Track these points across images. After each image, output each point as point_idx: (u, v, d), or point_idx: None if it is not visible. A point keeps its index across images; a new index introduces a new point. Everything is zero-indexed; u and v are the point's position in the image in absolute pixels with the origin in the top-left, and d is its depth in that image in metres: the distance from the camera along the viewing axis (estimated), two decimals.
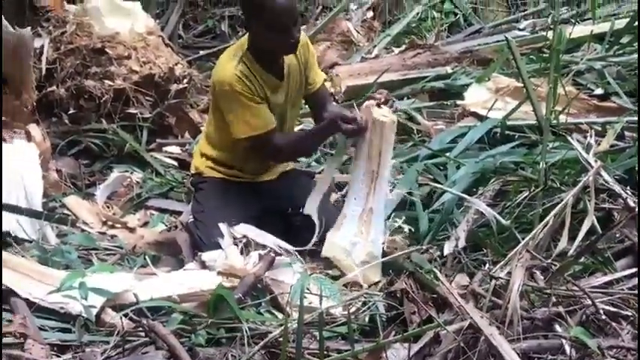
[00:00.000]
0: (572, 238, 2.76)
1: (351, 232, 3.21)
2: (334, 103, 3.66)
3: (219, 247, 3.19)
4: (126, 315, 2.76)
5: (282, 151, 3.47)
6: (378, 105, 3.24)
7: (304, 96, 3.62)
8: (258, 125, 3.35)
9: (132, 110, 4.60)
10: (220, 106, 3.43)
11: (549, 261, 2.65)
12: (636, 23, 4.89)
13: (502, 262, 2.65)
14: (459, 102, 4.68)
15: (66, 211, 3.90)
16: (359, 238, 3.18)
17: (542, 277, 2.68)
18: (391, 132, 3.21)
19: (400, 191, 3.39)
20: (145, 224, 3.91)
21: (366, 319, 2.82)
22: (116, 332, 2.68)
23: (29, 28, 4.36)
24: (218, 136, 3.54)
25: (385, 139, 3.20)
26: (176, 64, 4.81)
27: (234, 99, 3.34)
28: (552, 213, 2.76)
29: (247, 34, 3.43)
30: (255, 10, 3.29)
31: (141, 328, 2.69)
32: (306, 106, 3.74)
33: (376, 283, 3.02)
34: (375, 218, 3.20)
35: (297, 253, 3.24)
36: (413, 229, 3.36)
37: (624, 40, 4.96)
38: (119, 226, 3.85)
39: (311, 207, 3.35)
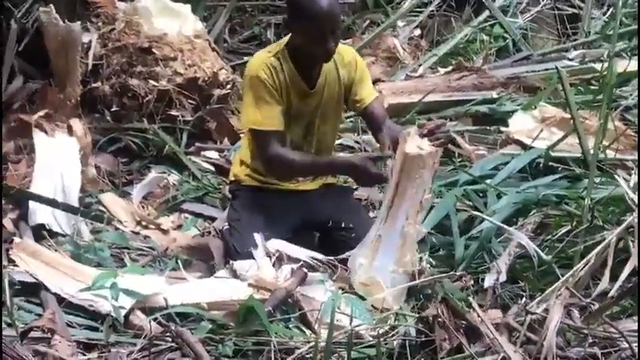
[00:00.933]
0: (612, 279, 2.70)
1: (362, 253, 3.14)
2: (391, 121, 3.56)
3: (251, 257, 3.17)
4: (154, 319, 2.76)
5: (281, 162, 3.33)
6: (423, 135, 3.08)
7: (358, 113, 3.63)
8: (262, 121, 3.32)
9: (173, 112, 4.60)
10: (243, 94, 3.45)
11: (588, 300, 2.60)
12: None
13: (539, 298, 2.60)
14: (503, 128, 4.61)
15: (101, 208, 3.92)
16: (365, 261, 3.12)
17: (579, 317, 2.62)
18: (415, 166, 3.03)
19: (423, 230, 3.27)
20: (179, 227, 3.91)
21: (395, 343, 2.78)
22: (143, 335, 2.68)
23: (79, 22, 4.41)
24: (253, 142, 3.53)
25: (406, 172, 3.04)
26: (220, 69, 4.80)
27: (253, 86, 3.34)
28: (594, 251, 2.70)
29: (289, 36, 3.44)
30: (297, 11, 3.30)
31: (168, 333, 2.68)
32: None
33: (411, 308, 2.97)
34: (382, 247, 3.11)
35: (330, 264, 3.20)
36: (440, 260, 3.33)
37: None
38: (153, 227, 3.85)
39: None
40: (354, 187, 4.00)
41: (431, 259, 3.21)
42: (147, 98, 4.55)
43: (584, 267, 2.68)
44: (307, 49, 3.32)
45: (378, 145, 4.46)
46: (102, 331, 2.75)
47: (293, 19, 3.34)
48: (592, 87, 5.00)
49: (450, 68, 5.55)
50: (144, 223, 3.86)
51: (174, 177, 4.34)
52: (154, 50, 4.63)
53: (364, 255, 3.13)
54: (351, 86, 3.50)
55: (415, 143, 3.06)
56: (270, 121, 3.32)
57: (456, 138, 4.56)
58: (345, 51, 3.54)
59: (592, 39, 5.76)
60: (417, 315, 2.77)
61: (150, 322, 2.72)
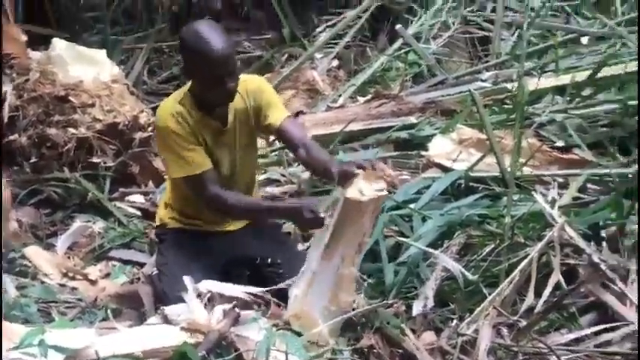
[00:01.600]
0: (537, 294, 2.78)
1: (297, 285, 3.14)
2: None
3: (182, 301, 3.14)
4: None
5: (224, 203, 3.34)
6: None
7: (274, 136, 3.61)
8: (191, 166, 3.31)
9: (95, 159, 4.55)
10: (158, 146, 3.44)
11: (516, 318, 2.66)
12: (598, 75, 4.99)
13: (469, 319, 2.65)
14: (423, 152, 4.69)
15: (26, 263, 3.83)
16: (299, 293, 3.12)
17: (508, 334, 2.68)
18: (355, 211, 3.01)
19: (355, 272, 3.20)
20: (107, 276, 3.85)
21: None
22: None
23: None
24: (174, 183, 3.51)
25: (346, 216, 3.04)
26: (141, 112, 4.78)
27: (168, 138, 3.32)
28: (518, 268, 2.78)
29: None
30: (191, 58, 3.29)
31: None
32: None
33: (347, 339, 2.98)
34: (316, 284, 3.09)
35: (263, 300, 3.19)
36: (371, 288, 3.36)
37: (585, 92, 5.04)
38: (80, 277, 3.78)
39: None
40: (281, 221, 4.03)
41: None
42: (66, 147, 4.49)
43: (509, 285, 2.75)
44: (208, 94, 3.32)
45: (304, 177, 4.55)
46: None
47: (189, 67, 3.32)
48: (506, 106, 5.14)
49: (368, 97, 5.64)
50: (70, 275, 3.79)
51: (99, 225, 4.28)
52: (70, 98, 4.58)
53: (298, 287, 3.14)
54: (260, 113, 3.49)
55: (358, 187, 3.04)
56: (198, 165, 3.31)
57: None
58: (249, 80, 3.52)
59: (503, 60, 5.92)
60: (352, 347, 2.79)
61: None
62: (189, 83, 3.45)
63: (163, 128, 3.33)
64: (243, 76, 3.46)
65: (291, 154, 4.55)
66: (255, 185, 3.71)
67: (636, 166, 4.04)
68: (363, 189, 3.02)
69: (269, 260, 3.45)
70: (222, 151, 3.45)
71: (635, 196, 3.45)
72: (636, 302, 2.80)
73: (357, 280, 3.09)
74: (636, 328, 2.61)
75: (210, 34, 3.20)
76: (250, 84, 3.49)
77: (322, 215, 3.13)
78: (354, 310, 2.99)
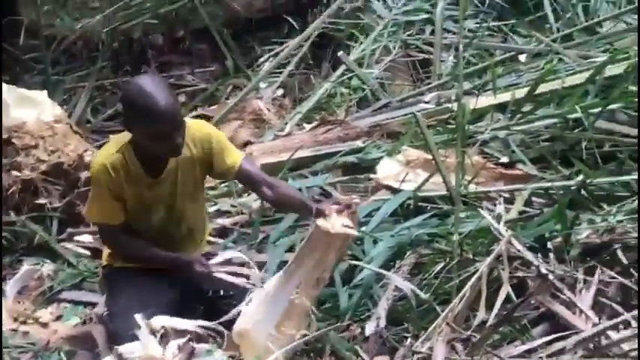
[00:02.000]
0: (489, 307, 2.81)
1: (249, 303, 3.18)
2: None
3: (136, 338, 3.11)
4: None
5: (121, 252, 3.52)
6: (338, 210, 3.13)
7: (236, 179, 3.63)
8: (96, 215, 3.48)
9: (41, 200, 4.50)
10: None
11: (469, 333, 2.69)
12: (537, 91, 5.10)
13: (423, 337, 2.68)
14: (371, 175, 4.73)
15: None
16: (247, 311, 3.17)
17: (462, 349, 2.71)
18: (321, 241, 3.07)
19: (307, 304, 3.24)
20: (59, 318, 3.79)
21: None
22: None
23: None
24: None
25: (311, 244, 3.11)
26: (85, 151, 4.73)
27: (93, 183, 3.45)
28: (468, 284, 2.81)
29: None
30: (134, 113, 3.23)
31: None
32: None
33: None
34: (267, 306, 3.14)
35: (218, 333, 3.19)
36: (326, 313, 3.38)
37: (525, 108, 5.15)
38: (31, 321, 3.72)
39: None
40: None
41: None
42: (11, 190, 4.43)
43: (460, 301, 2.78)
44: (153, 150, 3.30)
45: (254, 207, 4.54)
46: None
47: (131, 121, 3.27)
48: (449, 126, 5.21)
49: (315, 123, 5.67)
50: (21, 319, 3.73)
51: (48, 267, 4.21)
52: (13, 141, 4.53)
53: (249, 304, 3.15)
54: (211, 161, 3.47)
55: (331, 221, 3.09)
56: (102, 215, 3.44)
57: (329, 190, 4.67)
58: (195, 127, 3.47)
59: (444, 81, 6.00)
60: None
61: None
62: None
63: (93, 175, 3.44)
64: (188, 122, 3.40)
65: (241, 185, 4.58)
66: (204, 230, 3.72)
67: (578, 177, 4.13)
68: (335, 223, 3.08)
69: (221, 293, 3.43)
70: (157, 199, 3.44)
71: (577, 207, 3.54)
72: (587, 311, 2.86)
73: (308, 314, 3.09)
74: (586, 335, 2.66)
75: (156, 89, 3.17)
76: (197, 132, 3.44)
77: (212, 270, 3.32)
78: (305, 336, 2.99)
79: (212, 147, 3.46)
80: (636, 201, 3.58)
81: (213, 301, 3.45)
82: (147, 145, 3.28)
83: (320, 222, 3.09)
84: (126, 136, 3.41)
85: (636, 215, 3.39)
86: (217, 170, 3.49)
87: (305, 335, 3.00)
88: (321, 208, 3.18)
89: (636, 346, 2.56)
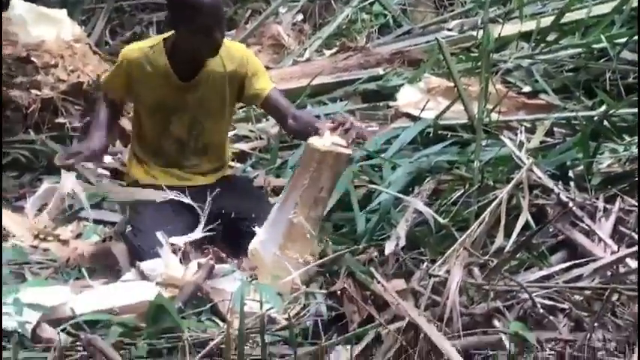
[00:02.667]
0: (507, 235, 2.81)
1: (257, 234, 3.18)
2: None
3: (158, 256, 3.15)
4: (63, 329, 2.70)
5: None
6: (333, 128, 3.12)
7: (259, 107, 3.69)
8: (105, 84, 3.72)
9: (61, 120, 4.51)
10: None
11: (486, 258, 2.69)
12: (562, 20, 5.01)
13: (440, 260, 2.68)
14: (391, 103, 4.71)
15: None
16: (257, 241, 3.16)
17: (480, 274, 2.72)
18: (312, 159, 3.07)
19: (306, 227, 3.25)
20: (79, 236, 3.82)
21: (307, 322, 2.82)
22: (53, 348, 2.62)
23: None
24: (133, 130, 3.68)
25: (303, 162, 3.12)
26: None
27: (118, 62, 3.59)
28: (488, 210, 2.80)
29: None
30: (179, 8, 3.31)
31: (79, 343, 2.63)
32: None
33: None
34: (270, 228, 3.14)
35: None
36: (343, 237, 3.39)
37: (550, 37, 5.07)
38: (51, 238, 3.75)
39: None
40: (253, 176, 4.04)
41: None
42: (31, 108, 4.44)
43: (479, 226, 2.78)
44: (193, 45, 3.33)
45: (273, 132, 4.54)
46: (9, 349, 2.67)
47: (176, 16, 3.34)
48: (472, 54, 5.15)
49: (334, 50, 5.63)
50: (42, 236, 3.75)
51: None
52: (32, 59, 4.52)
53: (257, 236, 3.17)
54: (243, 82, 3.51)
55: (326, 139, 3.08)
56: (105, 84, 3.70)
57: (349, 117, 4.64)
58: (234, 47, 3.56)
59: (468, 8, 5.92)
60: (326, 291, 2.81)
61: (59, 333, 2.67)
62: (166, 34, 3.48)
63: (121, 55, 3.57)
64: (227, 42, 3.50)
65: (259, 111, 4.57)
66: (222, 152, 3.72)
67: (601, 108, 4.09)
68: (326, 141, 3.07)
69: (243, 215, 3.45)
70: (181, 106, 3.45)
71: (602, 135, 3.51)
72: (606, 239, 2.85)
73: (310, 237, 3.09)
74: (604, 262, 2.66)
75: None
76: (235, 51, 3.51)
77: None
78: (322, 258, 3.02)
79: (246, 69, 3.50)
80: None
81: (233, 222, 3.47)
82: (188, 41, 3.34)
83: (312, 140, 3.09)
84: (155, 38, 3.54)
85: None
86: (246, 93, 3.51)
87: (315, 259, 3.01)
88: (317, 127, 3.18)
89: None
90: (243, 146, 4.64)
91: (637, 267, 2.60)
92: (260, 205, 3.52)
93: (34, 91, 4.47)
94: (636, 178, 3.11)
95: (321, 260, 3.01)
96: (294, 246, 3.09)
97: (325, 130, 3.13)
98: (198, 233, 3.26)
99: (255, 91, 3.51)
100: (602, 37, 4.61)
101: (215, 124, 3.58)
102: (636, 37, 4.50)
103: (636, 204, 2.93)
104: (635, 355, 2.34)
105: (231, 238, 3.46)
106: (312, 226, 3.07)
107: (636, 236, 2.84)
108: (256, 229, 3.16)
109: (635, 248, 2.68)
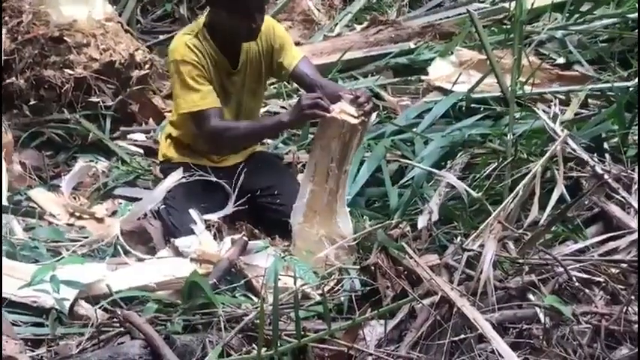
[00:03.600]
0: (542, 208, 2.79)
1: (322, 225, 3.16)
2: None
3: (192, 232, 3.17)
4: (100, 306, 2.74)
5: (222, 135, 3.34)
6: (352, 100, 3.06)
7: (288, 78, 3.61)
8: (198, 102, 3.31)
9: (94, 99, 4.53)
10: (171, 80, 3.44)
11: (521, 231, 2.67)
12: None
13: (474, 235, 2.66)
14: (423, 77, 4.68)
15: (32, 204, 3.83)
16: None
17: (514, 248, 2.70)
18: (327, 127, 3.06)
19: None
20: (114, 214, 3.86)
21: (342, 298, 2.83)
22: (90, 324, 2.66)
23: None
24: (177, 115, 3.55)
25: (319, 131, 3.11)
26: (136, 50, 4.74)
27: (180, 70, 3.31)
28: (522, 184, 2.78)
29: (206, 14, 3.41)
30: None
31: (115, 319, 2.67)
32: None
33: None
34: (297, 200, 3.17)
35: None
36: (376, 212, 3.40)
37: (584, 8, 4.99)
38: (87, 216, 3.79)
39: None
40: (284, 152, 4.04)
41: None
42: (64, 88, 4.46)
43: (513, 200, 2.75)
44: (232, 28, 3.29)
45: None
46: (48, 325, 2.72)
47: None
48: (505, 26, 5.09)
49: (365, 24, 5.59)
50: (77, 214, 3.80)
51: (102, 164, 4.28)
52: (65, 38, 4.54)
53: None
54: (272, 54, 3.49)
55: (337, 107, 3.05)
56: (205, 101, 3.31)
57: (379, 92, 4.62)
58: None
59: None
60: (359, 266, 2.82)
61: (95, 310, 2.71)
62: (202, 17, 3.41)
63: (179, 61, 3.32)
64: None
65: (290, 86, 4.57)
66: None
67: (637, 79, 4.02)
68: (337, 109, 3.03)
69: (271, 191, 3.46)
70: (231, 91, 3.45)
71: (635, 109, 3.45)
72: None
73: (331, 211, 3.10)
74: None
75: None
76: (263, 26, 3.45)
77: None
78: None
79: (275, 41, 3.47)
80: None
81: (260, 198, 3.48)
82: (227, 25, 3.28)
83: (340, 113, 3.04)
84: (194, 25, 3.45)
85: None
86: (275, 66, 3.50)
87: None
88: (340, 95, 3.10)
89: None
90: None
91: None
92: (287, 182, 3.53)
93: (67, 71, 4.49)
94: None
95: (354, 235, 3.01)
96: (315, 217, 3.10)
97: (339, 101, 3.06)
98: (228, 209, 3.28)
99: (284, 63, 3.48)
100: (637, 6, 4.52)
101: (254, 103, 3.59)
102: None
103: None
104: None
105: (259, 214, 3.47)
106: (330, 198, 3.07)
107: None
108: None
109: None
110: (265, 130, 3.45)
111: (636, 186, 2.94)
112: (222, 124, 3.33)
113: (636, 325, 2.35)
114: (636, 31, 4.56)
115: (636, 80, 4.00)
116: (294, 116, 3.18)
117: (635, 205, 2.80)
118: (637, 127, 3.32)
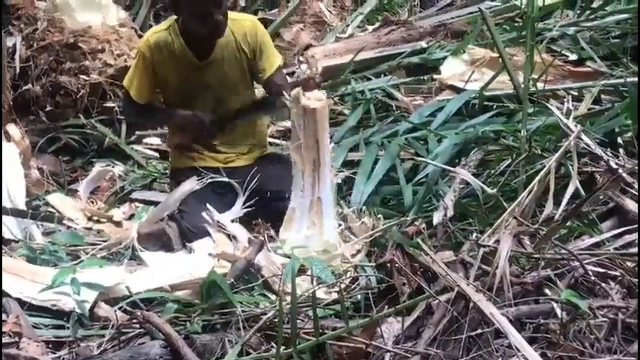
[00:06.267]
0: (557, 203, 2.78)
1: (303, 225, 3.19)
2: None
3: (207, 234, 3.20)
4: (120, 308, 2.77)
5: (129, 113, 3.88)
6: (306, 89, 3.15)
7: (262, 84, 3.64)
8: (128, 84, 3.59)
9: (109, 104, 4.59)
10: None
11: (536, 226, 2.67)
12: None
13: (490, 230, 2.67)
14: (435, 76, 4.69)
15: (50, 209, 3.88)
16: (312, 230, 3.17)
17: (529, 243, 2.70)
18: (325, 117, 3.14)
19: (344, 173, 3.38)
20: (131, 217, 3.90)
21: (358, 296, 2.84)
22: (111, 325, 2.68)
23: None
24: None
25: (320, 126, 3.13)
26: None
27: (137, 56, 3.62)
28: (536, 179, 2.77)
29: None
30: None
31: (135, 320, 2.69)
32: None
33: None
34: (324, 207, 3.18)
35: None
36: (391, 209, 3.41)
37: (595, 4, 4.99)
38: (104, 220, 3.84)
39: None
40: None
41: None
42: (80, 93, 4.52)
43: (528, 195, 2.76)
44: (195, 28, 3.39)
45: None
46: (69, 327, 2.75)
47: (175, 2, 3.42)
48: (516, 24, 5.10)
49: (377, 25, 5.61)
50: (95, 218, 3.85)
51: (119, 168, 4.33)
52: (80, 45, 4.60)
53: (307, 226, 3.20)
54: (255, 54, 3.54)
55: (312, 97, 3.14)
56: (132, 87, 3.58)
57: (392, 91, 4.64)
58: (244, 19, 3.60)
59: None
60: (375, 263, 2.83)
61: (115, 311, 2.73)
62: None
63: (139, 48, 3.61)
64: (235, 14, 3.60)
65: None
66: (253, 128, 3.74)
67: None
68: (317, 97, 3.15)
69: (278, 193, 3.47)
70: (203, 85, 3.50)
71: None
72: None
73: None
74: None
75: None
76: (245, 23, 3.55)
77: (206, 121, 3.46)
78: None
79: (257, 43, 3.53)
80: None
81: (269, 201, 3.50)
82: (191, 24, 3.40)
83: (304, 101, 3.13)
84: (171, 18, 3.56)
85: None
86: (253, 67, 3.53)
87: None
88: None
89: None
90: (287, 124, 4.65)
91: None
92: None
93: (82, 77, 4.55)
94: None
95: (369, 233, 3.03)
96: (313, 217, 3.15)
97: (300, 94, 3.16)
98: (237, 210, 3.30)
99: (260, 69, 3.55)
100: (637, 7, 4.51)
101: (239, 99, 3.61)
102: None
103: None
104: None
105: (269, 216, 3.49)
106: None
107: None
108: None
109: None
110: (157, 118, 3.90)
111: None
112: (131, 107, 3.67)
113: None
114: None
115: None
116: (181, 124, 3.61)
117: None
118: (637, 129, 3.31)
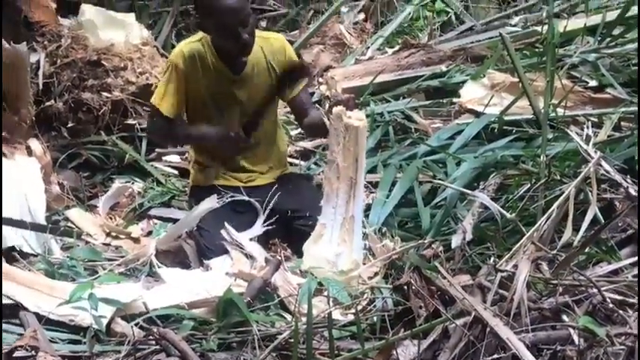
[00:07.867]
0: (575, 229, 2.78)
1: (334, 242, 3.17)
2: (318, 107, 3.70)
3: (224, 252, 3.21)
4: (136, 324, 2.78)
5: (160, 131, 3.69)
6: (348, 108, 3.16)
7: (288, 102, 3.69)
8: (158, 101, 3.54)
9: (130, 121, 4.62)
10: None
11: (554, 252, 2.67)
12: (628, 14, 4.93)
13: (508, 255, 2.67)
14: (455, 100, 4.70)
15: (69, 224, 3.91)
16: (343, 247, 3.16)
17: (547, 269, 2.70)
18: (363, 136, 3.18)
19: (384, 192, 3.38)
20: (149, 234, 3.92)
21: (374, 317, 2.83)
22: (127, 341, 2.69)
23: (24, 43, 4.38)
24: None
25: (360, 145, 3.15)
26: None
27: (167, 70, 3.56)
28: (555, 204, 2.78)
29: None
30: (203, 10, 3.44)
31: (152, 337, 2.70)
32: None
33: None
34: (356, 226, 3.18)
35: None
36: (408, 232, 3.42)
37: (616, 31, 4.99)
38: (123, 236, 3.86)
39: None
40: (316, 173, 4.07)
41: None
42: (102, 110, 4.56)
43: (547, 221, 2.76)
44: (223, 45, 3.43)
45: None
46: (85, 343, 2.76)
47: (202, 19, 3.47)
48: (536, 49, 5.10)
49: (397, 47, 5.63)
50: (114, 234, 3.87)
51: (138, 185, 4.36)
52: (103, 62, 4.64)
53: (338, 243, 3.18)
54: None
55: (352, 116, 3.15)
56: (163, 102, 3.54)
57: (411, 114, 4.65)
58: (274, 39, 3.65)
59: (532, 3, 5.87)
60: (392, 285, 2.83)
61: (132, 327, 2.75)
62: None
63: (171, 61, 3.56)
64: (265, 33, 3.67)
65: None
66: (275, 146, 3.77)
67: None
68: (357, 116, 3.16)
69: (300, 213, 3.48)
70: (234, 103, 3.52)
71: None
72: None
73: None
74: None
75: None
76: (275, 43, 3.60)
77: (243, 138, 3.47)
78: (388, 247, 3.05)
79: (285, 59, 3.58)
80: None
81: (290, 221, 3.51)
82: (220, 42, 3.44)
83: (346, 119, 3.14)
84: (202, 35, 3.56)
85: None
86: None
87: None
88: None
89: None
90: (306, 144, 4.68)
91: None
92: (317, 204, 3.55)
93: (104, 94, 4.59)
94: None
95: (386, 255, 3.03)
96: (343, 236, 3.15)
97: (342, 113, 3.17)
98: (257, 229, 3.32)
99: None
100: (637, 7, 4.50)
101: (268, 119, 3.64)
102: None
103: None
104: None
105: (286, 236, 3.50)
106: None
107: None
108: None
109: None
110: (188, 138, 3.79)
111: None
112: (160, 124, 3.60)
113: None
114: None
115: None
116: (223, 147, 3.58)
117: None
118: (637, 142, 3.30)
